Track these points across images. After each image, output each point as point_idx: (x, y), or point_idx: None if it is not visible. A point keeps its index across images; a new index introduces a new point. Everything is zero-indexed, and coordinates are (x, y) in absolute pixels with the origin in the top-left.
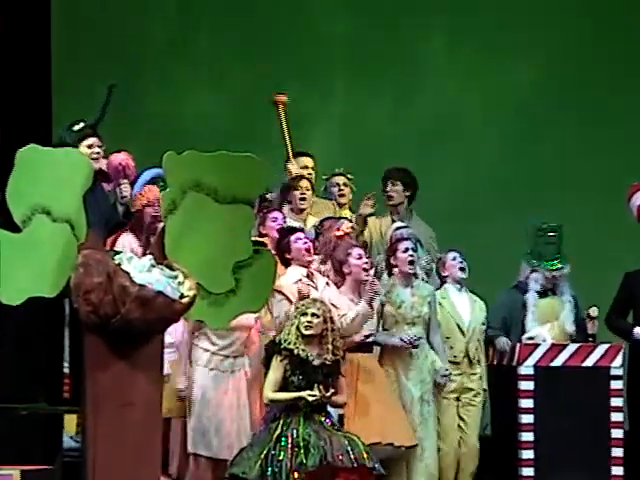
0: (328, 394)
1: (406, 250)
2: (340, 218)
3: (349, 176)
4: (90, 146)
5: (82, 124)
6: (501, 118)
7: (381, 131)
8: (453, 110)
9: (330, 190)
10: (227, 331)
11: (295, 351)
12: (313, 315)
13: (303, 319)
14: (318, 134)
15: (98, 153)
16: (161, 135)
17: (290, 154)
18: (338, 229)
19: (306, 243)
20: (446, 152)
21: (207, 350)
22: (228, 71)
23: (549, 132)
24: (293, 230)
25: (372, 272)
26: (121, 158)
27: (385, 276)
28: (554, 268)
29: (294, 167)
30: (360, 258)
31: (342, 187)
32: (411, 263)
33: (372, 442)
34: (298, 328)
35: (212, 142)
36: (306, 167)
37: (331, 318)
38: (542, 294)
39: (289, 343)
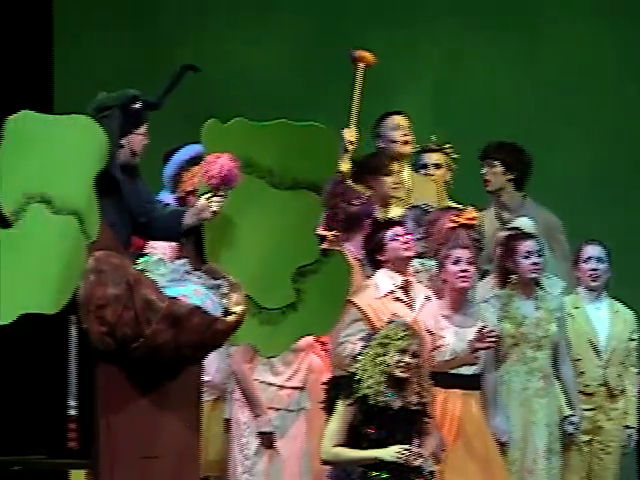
0: (418, 462)
1: (528, 254)
2: (451, 208)
3: (448, 150)
4: (144, 136)
5: (140, 103)
6: None
7: (490, 93)
8: (587, 63)
9: (417, 171)
10: (292, 353)
11: (372, 398)
12: (414, 355)
13: (397, 357)
14: (404, 99)
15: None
16: (195, 100)
17: (353, 122)
18: (457, 215)
19: (407, 242)
20: (586, 116)
21: (271, 384)
22: (284, 14)
23: None
24: (390, 224)
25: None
26: (230, 166)
27: (485, 282)
28: None
29: (349, 134)
30: (457, 263)
31: (431, 168)
32: (536, 267)
33: None
34: (388, 367)
35: (266, 108)
36: (399, 126)
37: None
38: None
39: (368, 387)
